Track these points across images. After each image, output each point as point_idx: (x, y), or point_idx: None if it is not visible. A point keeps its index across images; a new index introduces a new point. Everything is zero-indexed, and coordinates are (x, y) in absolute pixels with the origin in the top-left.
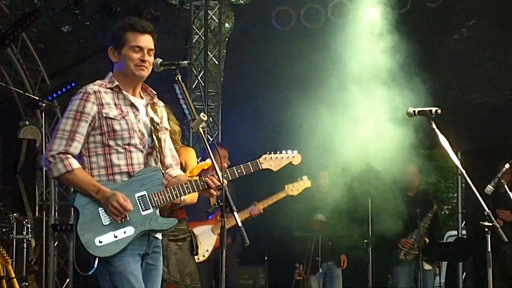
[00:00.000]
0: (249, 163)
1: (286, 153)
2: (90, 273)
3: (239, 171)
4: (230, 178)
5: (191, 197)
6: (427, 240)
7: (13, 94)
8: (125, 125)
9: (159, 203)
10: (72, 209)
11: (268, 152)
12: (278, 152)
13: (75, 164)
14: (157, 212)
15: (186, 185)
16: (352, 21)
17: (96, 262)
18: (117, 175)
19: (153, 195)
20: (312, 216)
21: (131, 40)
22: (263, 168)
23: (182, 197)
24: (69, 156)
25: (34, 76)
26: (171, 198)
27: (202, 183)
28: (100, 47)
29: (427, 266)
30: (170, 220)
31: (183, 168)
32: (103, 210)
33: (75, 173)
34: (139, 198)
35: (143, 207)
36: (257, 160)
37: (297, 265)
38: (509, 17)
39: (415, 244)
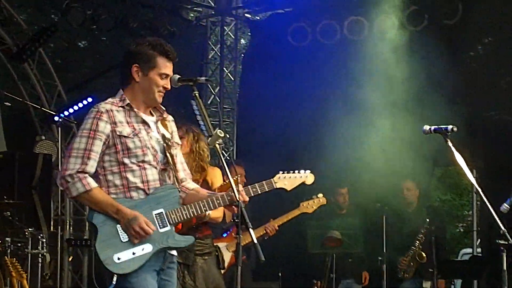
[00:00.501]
0: (263, 182)
1: (299, 172)
2: None
3: (254, 190)
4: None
5: (216, 215)
6: (423, 254)
7: (29, 109)
8: (138, 142)
9: (177, 220)
10: (91, 226)
11: (282, 172)
12: (292, 171)
13: (93, 183)
14: (173, 229)
15: (203, 203)
16: (368, 38)
17: (115, 279)
18: (134, 192)
19: (170, 213)
20: (327, 233)
21: (161, 66)
22: (277, 187)
23: (206, 212)
24: (86, 175)
25: (51, 91)
26: (188, 216)
27: (218, 202)
28: (116, 63)
29: (425, 284)
30: (187, 238)
31: (209, 187)
32: (121, 228)
33: (94, 192)
34: (157, 215)
35: (160, 224)
36: (271, 179)
37: (315, 281)
38: None
39: (411, 262)
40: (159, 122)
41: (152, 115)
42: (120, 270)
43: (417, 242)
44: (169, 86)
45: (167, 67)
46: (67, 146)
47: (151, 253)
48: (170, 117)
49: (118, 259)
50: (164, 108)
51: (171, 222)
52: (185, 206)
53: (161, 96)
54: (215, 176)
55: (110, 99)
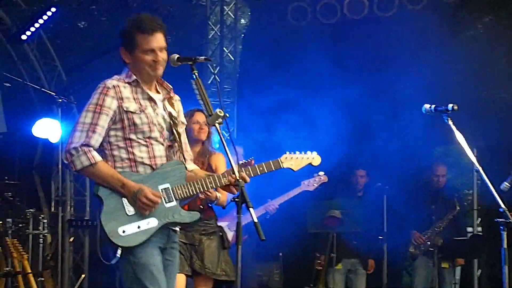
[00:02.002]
0: (270, 161)
1: (306, 153)
2: (113, 262)
3: (260, 169)
4: (252, 175)
5: (223, 198)
6: (441, 240)
7: (29, 90)
8: (145, 118)
9: (183, 196)
10: (97, 198)
11: (289, 152)
12: (299, 152)
13: (98, 157)
14: (179, 204)
15: (209, 180)
16: (368, 18)
17: (119, 252)
18: (140, 166)
19: (177, 188)
20: (326, 212)
21: (142, 43)
22: (284, 167)
23: (217, 195)
24: (91, 148)
25: (51, 71)
26: (194, 192)
27: (224, 179)
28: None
29: (444, 264)
30: (192, 213)
31: (213, 172)
32: (127, 200)
33: (99, 165)
34: (163, 190)
35: (166, 199)
36: (279, 159)
37: (318, 255)
38: None
39: (427, 242)
40: (165, 100)
41: (158, 92)
42: (125, 243)
43: (444, 222)
44: (159, 58)
45: (149, 42)
46: (67, 127)
47: (156, 227)
48: (177, 97)
49: (123, 232)
50: (171, 87)
51: (177, 197)
52: (191, 182)
53: (156, 69)
54: (220, 162)
55: (116, 76)
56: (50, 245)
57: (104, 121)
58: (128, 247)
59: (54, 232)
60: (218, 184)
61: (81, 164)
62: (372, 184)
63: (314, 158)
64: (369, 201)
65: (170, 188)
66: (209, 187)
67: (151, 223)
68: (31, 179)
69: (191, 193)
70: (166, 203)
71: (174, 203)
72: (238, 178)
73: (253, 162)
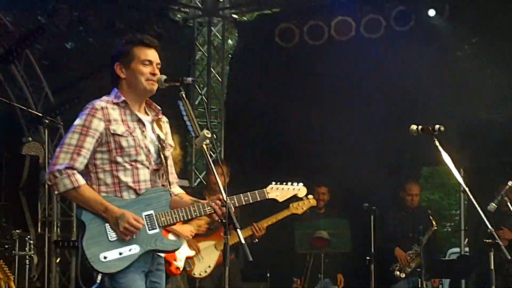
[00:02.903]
0: (256, 192)
1: (292, 184)
2: None
3: (245, 199)
4: (237, 205)
5: None
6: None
7: (16, 111)
8: (132, 141)
9: (166, 223)
10: (79, 222)
11: (275, 182)
12: (285, 183)
13: (81, 180)
14: (162, 232)
15: (194, 209)
16: (355, 39)
17: (99, 278)
18: (125, 192)
19: (160, 215)
20: (314, 233)
21: (140, 55)
22: (269, 197)
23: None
24: (75, 172)
25: (38, 92)
26: (178, 220)
27: (209, 208)
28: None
29: (424, 285)
30: (175, 242)
31: None
32: (110, 226)
33: (82, 189)
34: (146, 217)
35: (149, 226)
36: (264, 189)
37: (294, 279)
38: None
39: (411, 263)
40: (154, 122)
41: (147, 114)
42: (106, 269)
43: (424, 239)
44: (156, 72)
45: (146, 54)
46: (54, 148)
47: (138, 254)
48: (164, 118)
49: (105, 258)
50: (159, 108)
51: (160, 225)
52: (175, 210)
53: (152, 84)
54: None
55: (105, 97)
56: (36, 266)
57: (89, 144)
58: (109, 273)
59: (40, 253)
60: (202, 213)
61: (64, 187)
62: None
63: (300, 189)
64: (356, 221)
65: (154, 215)
66: (193, 215)
67: (133, 249)
68: (18, 200)
69: (175, 221)
70: (149, 230)
71: (157, 230)
72: (225, 199)
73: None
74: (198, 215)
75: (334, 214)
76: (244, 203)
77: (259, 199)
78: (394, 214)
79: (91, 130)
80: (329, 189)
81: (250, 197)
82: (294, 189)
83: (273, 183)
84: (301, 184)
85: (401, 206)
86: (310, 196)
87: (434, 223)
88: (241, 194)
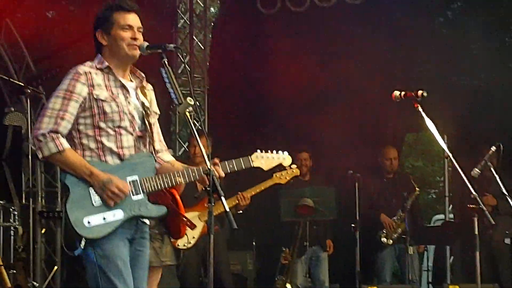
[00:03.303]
0: (240, 159)
1: (277, 153)
2: (76, 253)
3: (230, 166)
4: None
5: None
6: (404, 226)
7: None
8: (115, 107)
9: (151, 189)
10: (63, 186)
11: (260, 150)
12: (270, 151)
13: (66, 144)
14: (146, 198)
15: (178, 174)
16: (337, 6)
17: (83, 243)
18: (108, 156)
19: (145, 181)
20: (299, 201)
21: (120, 20)
22: (254, 166)
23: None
24: (59, 135)
25: (19, 62)
26: (162, 186)
27: (194, 174)
28: (85, 32)
29: (410, 250)
30: (159, 208)
31: None
32: (94, 190)
33: (66, 153)
34: (131, 182)
35: (134, 191)
36: (249, 157)
37: (284, 249)
38: None
39: (397, 229)
40: (138, 89)
41: (131, 81)
42: (89, 234)
43: (407, 204)
44: (137, 36)
45: (126, 18)
46: (36, 117)
47: (122, 220)
48: (149, 86)
49: (88, 222)
50: (143, 75)
51: (145, 191)
52: (159, 175)
53: (133, 49)
54: None
55: (88, 62)
56: (21, 237)
57: (73, 108)
58: (92, 238)
59: (25, 224)
60: (187, 179)
61: (49, 151)
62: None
63: (285, 158)
64: (341, 189)
65: (138, 180)
66: (178, 181)
67: (117, 215)
68: (1, 171)
69: (159, 187)
70: (133, 195)
71: (141, 196)
72: (209, 167)
73: (218, 161)
74: (183, 180)
75: (318, 181)
76: (229, 171)
77: (244, 167)
78: (375, 180)
79: (75, 95)
80: (311, 155)
81: (235, 164)
82: (279, 158)
83: (258, 151)
84: (286, 153)
85: (382, 172)
86: (294, 166)
87: (416, 187)
88: (226, 161)
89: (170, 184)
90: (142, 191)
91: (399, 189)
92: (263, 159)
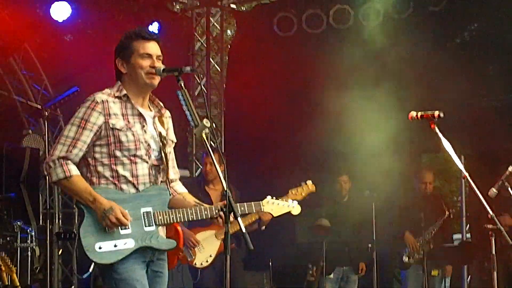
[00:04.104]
0: (252, 203)
1: (287, 201)
2: (84, 276)
3: (242, 209)
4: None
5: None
6: (431, 246)
7: (16, 103)
8: (131, 136)
9: (163, 222)
10: (79, 210)
11: (271, 197)
12: (280, 199)
13: (74, 170)
14: (159, 231)
15: (191, 211)
16: (353, 27)
17: (92, 267)
18: (124, 184)
19: (158, 214)
20: (315, 221)
21: (139, 48)
22: (265, 210)
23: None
24: (69, 162)
25: (37, 85)
26: (174, 220)
27: (206, 213)
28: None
29: (433, 272)
30: (169, 241)
31: None
32: (97, 217)
33: (73, 179)
34: (145, 213)
35: (146, 223)
36: (260, 202)
37: (310, 266)
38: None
39: (420, 249)
40: (156, 118)
41: (150, 109)
42: (99, 259)
43: (435, 226)
44: (156, 64)
45: (145, 47)
46: (54, 140)
47: (132, 249)
48: (167, 113)
49: (100, 248)
50: (162, 104)
51: (157, 223)
52: (173, 210)
53: (152, 78)
54: None
55: (107, 90)
56: (38, 258)
57: (86, 137)
58: (102, 264)
59: (42, 245)
60: (199, 217)
61: (57, 176)
62: (358, 191)
63: (295, 207)
64: (357, 209)
65: (152, 212)
66: (190, 218)
67: (128, 244)
68: (19, 193)
69: (171, 221)
70: (145, 226)
71: (153, 228)
72: (226, 188)
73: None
74: (195, 218)
75: (357, 203)
76: (239, 214)
77: (254, 211)
78: (402, 200)
79: (89, 124)
80: (350, 177)
81: (246, 208)
82: (289, 206)
83: (269, 197)
84: (295, 202)
85: (413, 193)
86: (309, 182)
87: (447, 211)
88: (237, 204)
89: (182, 220)
90: (155, 223)
91: (429, 210)
92: (273, 205)
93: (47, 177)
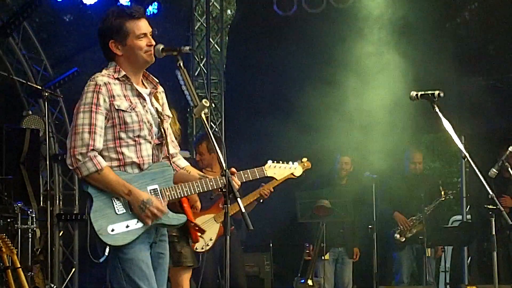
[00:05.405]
0: (255, 169)
1: (288, 163)
2: (101, 260)
3: (245, 176)
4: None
5: None
6: (424, 226)
7: (15, 84)
8: (135, 117)
9: (171, 198)
10: (85, 195)
11: (272, 161)
12: (281, 162)
13: (103, 162)
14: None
15: (197, 184)
16: (353, 7)
17: (107, 250)
18: (128, 166)
19: (165, 190)
20: (316, 202)
21: (134, 29)
22: (268, 175)
23: None
24: (96, 153)
25: (37, 65)
26: (182, 195)
27: (211, 184)
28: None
29: (427, 253)
30: (179, 216)
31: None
32: (115, 199)
33: (105, 172)
34: (151, 191)
35: None
36: (263, 167)
37: (307, 245)
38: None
39: (412, 228)
40: (152, 95)
41: (145, 86)
42: (114, 241)
43: (430, 208)
44: (153, 42)
45: (140, 27)
46: (54, 121)
47: (145, 228)
48: (160, 88)
49: (112, 230)
50: (157, 80)
51: (165, 199)
52: (179, 185)
53: (151, 55)
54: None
55: (105, 71)
56: (39, 240)
57: (101, 122)
58: (116, 245)
59: (43, 227)
60: (205, 188)
61: (88, 171)
62: (359, 173)
63: (296, 168)
64: (358, 190)
65: (158, 189)
66: (196, 190)
67: (139, 223)
68: (19, 174)
69: (179, 196)
70: None
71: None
72: (225, 169)
73: (234, 170)
74: (201, 190)
75: (355, 186)
76: (244, 180)
77: (258, 177)
78: (396, 181)
79: (100, 108)
80: (352, 160)
81: (249, 174)
82: (290, 167)
83: (270, 161)
84: (296, 163)
85: (404, 173)
86: (305, 159)
87: (442, 193)
88: (240, 172)
89: (189, 193)
90: (163, 200)
91: (421, 190)
92: (275, 169)
93: (47, 158)
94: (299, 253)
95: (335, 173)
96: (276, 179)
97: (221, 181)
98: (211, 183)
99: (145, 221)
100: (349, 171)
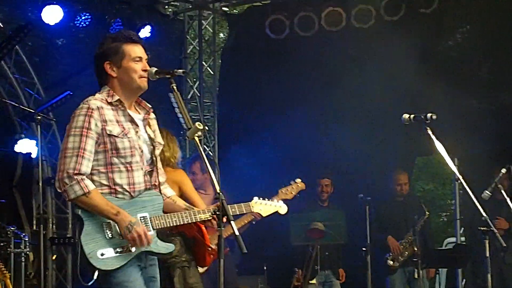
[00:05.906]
0: (242, 204)
1: (273, 201)
2: (89, 283)
3: (232, 210)
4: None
5: None
6: (415, 248)
7: (8, 107)
8: (127, 143)
9: (159, 226)
10: (76, 218)
11: (258, 197)
12: (267, 199)
13: (91, 185)
14: (156, 235)
15: (185, 215)
16: (345, 29)
17: (96, 274)
18: (120, 194)
19: (154, 218)
20: (310, 225)
21: (130, 52)
22: (254, 211)
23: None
24: (84, 177)
25: (29, 88)
26: (171, 224)
27: (200, 215)
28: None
29: (415, 274)
30: (168, 245)
31: (177, 190)
32: (106, 224)
33: (92, 195)
34: (141, 218)
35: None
36: (249, 203)
37: (296, 270)
38: (503, 21)
39: (404, 251)
40: (145, 121)
41: (138, 112)
42: (103, 266)
43: (414, 230)
44: (147, 67)
45: (136, 51)
46: (47, 144)
47: (133, 254)
48: (152, 115)
49: (102, 254)
50: (149, 106)
51: (154, 227)
52: (168, 215)
53: (144, 81)
54: (183, 179)
55: (98, 95)
56: (32, 264)
57: (91, 146)
58: (106, 270)
59: (36, 250)
60: (194, 220)
61: (75, 194)
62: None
63: (281, 206)
64: (352, 213)
65: (148, 217)
66: (185, 221)
67: (129, 248)
68: (12, 197)
69: (168, 225)
70: None
71: (152, 232)
72: (219, 191)
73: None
74: (189, 221)
75: (336, 208)
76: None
77: (244, 212)
78: (385, 204)
79: (91, 132)
80: (332, 181)
81: (236, 209)
82: (276, 205)
83: (256, 198)
84: (281, 201)
85: (392, 196)
86: (299, 180)
87: (426, 211)
88: (228, 206)
89: (178, 223)
90: (152, 228)
91: (409, 212)
92: (261, 205)
93: (40, 182)
94: (293, 275)
95: (316, 196)
96: (262, 215)
97: (209, 213)
98: (200, 215)
99: (131, 243)
100: (330, 192)
